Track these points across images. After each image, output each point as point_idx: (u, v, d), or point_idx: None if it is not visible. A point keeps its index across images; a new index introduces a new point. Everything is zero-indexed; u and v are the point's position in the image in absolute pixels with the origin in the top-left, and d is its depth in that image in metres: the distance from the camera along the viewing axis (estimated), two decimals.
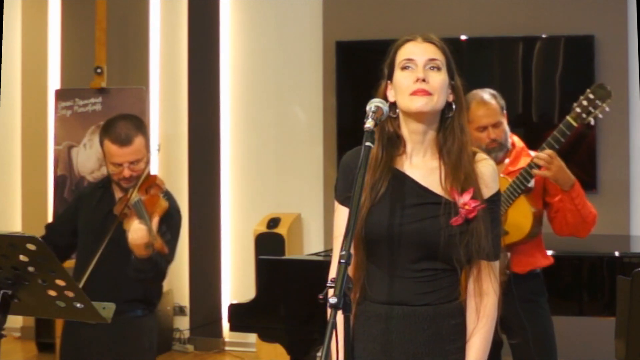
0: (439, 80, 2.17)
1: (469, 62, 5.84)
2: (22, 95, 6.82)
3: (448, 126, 2.20)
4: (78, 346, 3.37)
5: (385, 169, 2.19)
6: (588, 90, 3.26)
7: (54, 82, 6.71)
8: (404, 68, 2.18)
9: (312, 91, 6.17)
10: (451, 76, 2.22)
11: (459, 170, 2.16)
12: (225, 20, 6.40)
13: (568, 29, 5.62)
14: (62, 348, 3.49)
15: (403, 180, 2.20)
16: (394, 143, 2.20)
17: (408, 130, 2.21)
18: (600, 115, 3.26)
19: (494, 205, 2.21)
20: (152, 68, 6.51)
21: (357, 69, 5.89)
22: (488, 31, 5.77)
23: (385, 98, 2.20)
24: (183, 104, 6.45)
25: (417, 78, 2.15)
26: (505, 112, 3.49)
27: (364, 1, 5.98)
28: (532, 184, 3.37)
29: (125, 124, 3.35)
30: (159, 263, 3.23)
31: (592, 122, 3.29)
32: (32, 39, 6.78)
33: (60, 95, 5.98)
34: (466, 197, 2.14)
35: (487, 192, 2.19)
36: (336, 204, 2.28)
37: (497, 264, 2.22)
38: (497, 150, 3.44)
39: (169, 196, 3.40)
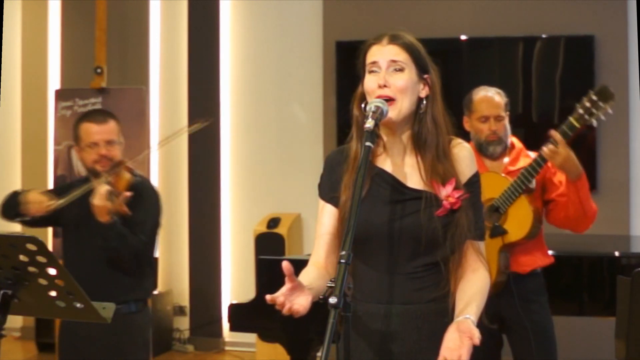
0: (401, 81, 2.17)
1: (469, 62, 5.84)
2: (22, 95, 6.83)
3: (421, 121, 2.21)
4: (75, 344, 3.42)
5: (368, 168, 2.19)
6: (591, 92, 3.25)
7: (54, 82, 6.71)
8: (370, 72, 2.21)
9: (312, 91, 6.17)
10: (423, 71, 2.22)
11: (438, 164, 2.18)
12: (225, 20, 6.40)
13: (568, 29, 5.62)
14: (60, 346, 3.53)
15: (385, 178, 2.21)
16: (373, 141, 2.19)
17: (383, 132, 2.23)
18: (602, 117, 3.25)
19: (474, 187, 2.23)
20: (152, 68, 6.52)
21: (357, 69, 5.88)
22: (488, 31, 5.77)
23: (364, 97, 2.22)
24: (183, 104, 6.45)
25: (378, 84, 2.17)
26: (508, 111, 3.50)
27: (364, 1, 5.98)
28: (533, 184, 3.36)
29: (102, 110, 3.63)
30: (124, 235, 3.30)
31: (595, 123, 3.28)
32: (32, 39, 6.79)
33: (60, 95, 5.99)
34: (449, 189, 2.16)
35: (466, 175, 2.21)
36: (320, 202, 2.29)
37: (482, 244, 2.24)
38: (496, 144, 3.45)
39: (142, 179, 3.53)
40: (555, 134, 3.23)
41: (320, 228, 2.26)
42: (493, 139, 3.43)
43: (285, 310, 1.98)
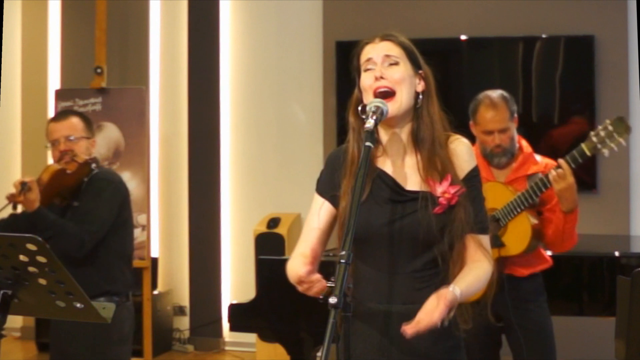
0: (397, 74, 2.19)
1: (469, 62, 5.84)
2: (22, 95, 6.83)
3: (419, 117, 2.22)
4: (59, 339, 3.47)
5: (368, 169, 2.19)
6: (607, 121, 3.20)
7: (54, 82, 6.71)
8: (366, 70, 2.23)
9: (312, 91, 6.17)
10: (417, 66, 2.24)
11: (434, 159, 2.19)
12: (225, 20, 6.40)
13: (568, 29, 5.62)
14: (50, 338, 3.59)
15: (385, 179, 2.21)
16: (373, 142, 2.18)
17: (383, 131, 2.24)
18: (615, 149, 3.21)
19: (474, 181, 2.23)
20: (152, 68, 6.52)
21: (353, 74, 5.88)
22: (488, 31, 5.76)
23: (361, 101, 2.22)
24: (183, 104, 6.45)
25: (375, 77, 2.18)
26: (516, 116, 3.43)
27: (364, 1, 5.98)
28: (536, 201, 3.34)
29: (66, 110, 3.76)
30: (58, 224, 3.37)
31: (607, 154, 3.23)
32: (32, 39, 6.79)
33: (60, 95, 5.98)
34: (445, 185, 2.16)
35: (464, 170, 2.21)
36: (318, 197, 2.29)
37: (486, 237, 2.23)
38: (501, 156, 3.40)
39: (100, 170, 3.58)
40: (563, 163, 3.20)
41: (312, 221, 2.26)
42: (497, 151, 3.39)
43: (318, 289, 2.02)
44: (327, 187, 2.27)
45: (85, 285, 3.18)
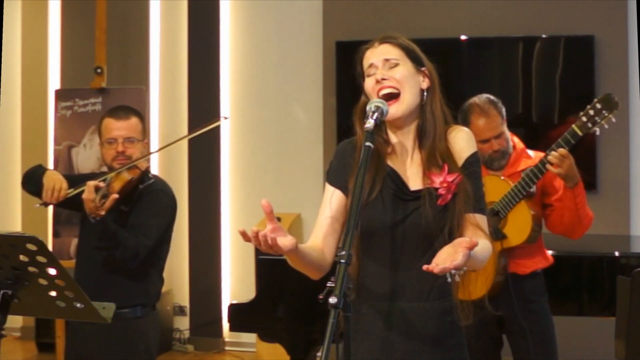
0: (398, 74, 2.21)
1: (469, 62, 5.84)
2: (22, 95, 6.82)
3: (423, 114, 2.25)
4: (77, 342, 3.39)
5: (379, 167, 2.21)
6: (595, 100, 3.23)
7: (54, 82, 6.71)
8: (369, 75, 2.25)
9: (312, 91, 6.17)
10: (419, 64, 2.26)
11: (435, 154, 2.21)
12: (225, 20, 6.40)
13: (568, 29, 5.62)
14: (65, 343, 3.52)
15: (392, 177, 2.23)
16: (373, 141, 2.17)
17: (391, 132, 2.27)
18: (606, 126, 3.23)
19: (474, 166, 2.24)
20: (152, 68, 6.52)
21: (357, 75, 5.88)
22: (488, 31, 5.77)
23: (364, 109, 2.22)
24: (183, 104, 6.45)
25: (376, 80, 2.21)
26: (505, 117, 3.45)
27: (364, 1, 5.98)
28: (534, 189, 3.35)
29: (126, 107, 3.52)
30: (119, 235, 3.22)
31: (598, 132, 3.25)
32: (32, 39, 6.79)
33: (60, 95, 5.98)
34: (443, 174, 2.18)
35: (463, 157, 2.23)
36: (329, 187, 2.29)
37: (484, 218, 2.23)
38: (500, 159, 3.42)
39: (156, 181, 3.45)
40: (562, 151, 3.21)
41: (325, 211, 2.26)
42: (497, 155, 3.41)
43: (264, 246, 1.95)
44: (337, 177, 2.28)
45: (122, 295, 3.17)
